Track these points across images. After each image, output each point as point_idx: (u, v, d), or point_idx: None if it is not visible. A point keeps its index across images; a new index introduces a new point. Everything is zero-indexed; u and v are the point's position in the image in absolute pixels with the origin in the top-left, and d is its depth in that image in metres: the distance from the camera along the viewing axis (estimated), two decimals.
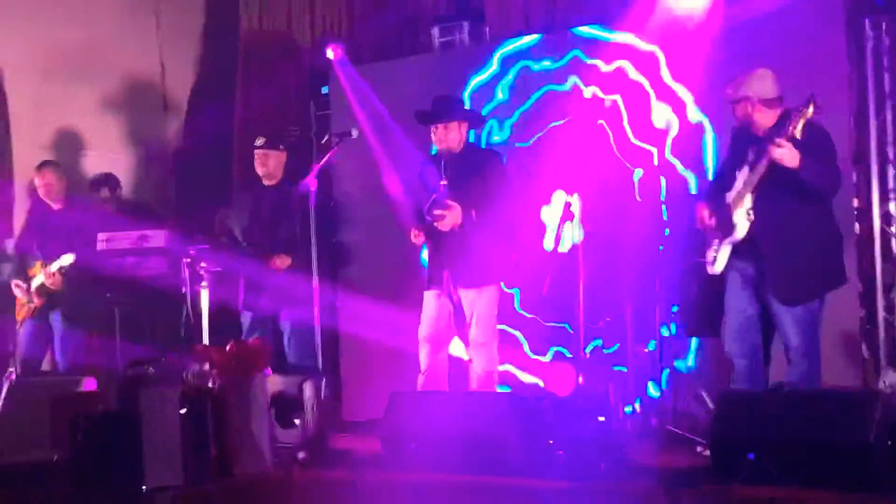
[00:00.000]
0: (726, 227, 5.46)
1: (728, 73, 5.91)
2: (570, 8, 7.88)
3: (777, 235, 5.39)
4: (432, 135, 6.37)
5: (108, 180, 8.15)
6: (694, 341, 6.79)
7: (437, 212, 6.15)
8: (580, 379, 5.92)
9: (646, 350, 6.70)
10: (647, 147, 7.05)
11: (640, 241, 6.66)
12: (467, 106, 7.26)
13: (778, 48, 6.50)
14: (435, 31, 8.08)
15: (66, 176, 7.91)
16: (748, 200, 5.38)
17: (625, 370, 6.54)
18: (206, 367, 5.17)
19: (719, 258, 5.54)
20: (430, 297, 6.38)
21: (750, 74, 5.56)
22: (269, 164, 7.19)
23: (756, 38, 6.57)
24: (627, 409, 6.34)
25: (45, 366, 7.73)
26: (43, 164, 7.82)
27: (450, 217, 6.15)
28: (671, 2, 6.72)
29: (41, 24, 8.41)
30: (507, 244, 6.44)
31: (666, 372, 6.50)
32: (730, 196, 5.51)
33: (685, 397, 6.70)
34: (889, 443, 4.59)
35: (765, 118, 5.48)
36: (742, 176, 5.46)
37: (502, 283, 6.53)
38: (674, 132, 6.98)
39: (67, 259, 7.31)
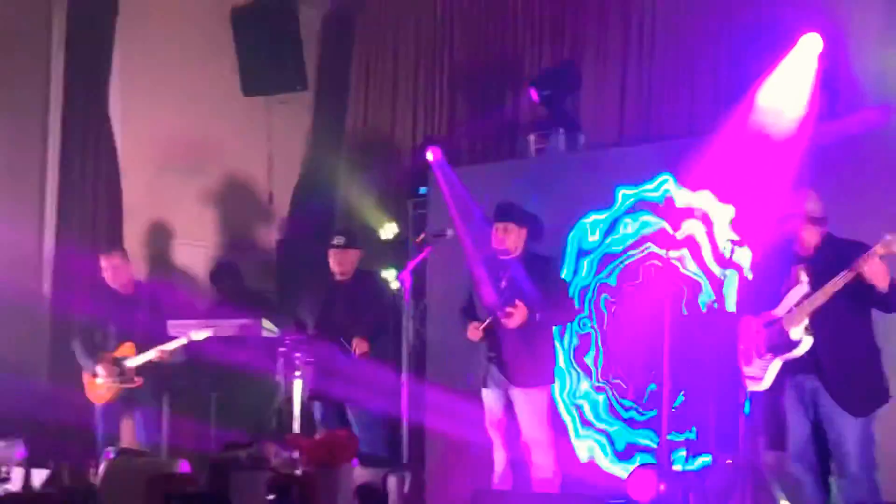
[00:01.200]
0: (782, 342, 5.50)
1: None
2: (662, 120, 8.06)
3: (835, 350, 5.43)
4: (493, 237, 6.57)
5: (230, 269, 8.44)
6: None
7: (508, 309, 6.31)
8: (662, 487, 5.94)
9: (728, 461, 6.71)
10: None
11: (724, 351, 6.70)
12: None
13: (858, 172, 6.55)
14: (531, 137, 8.30)
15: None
16: (806, 319, 5.42)
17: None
18: (296, 454, 5.33)
19: (768, 375, 5.58)
20: (489, 395, 6.55)
21: (798, 193, 5.68)
22: (345, 262, 7.39)
23: (844, 159, 6.63)
24: None
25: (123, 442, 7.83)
26: (111, 248, 7.88)
27: (517, 315, 6.32)
28: (765, 118, 6.84)
29: (163, 117, 8.87)
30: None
31: None
32: (779, 312, 5.55)
33: None
34: None
35: (811, 236, 5.57)
36: (796, 293, 5.49)
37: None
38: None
39: (198, 335, 7.29)
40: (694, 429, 6.88)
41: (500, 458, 6.60)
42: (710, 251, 7.22)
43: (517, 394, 6.47)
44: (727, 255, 7.08)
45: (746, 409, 6.40)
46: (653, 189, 7.45)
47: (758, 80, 6.97)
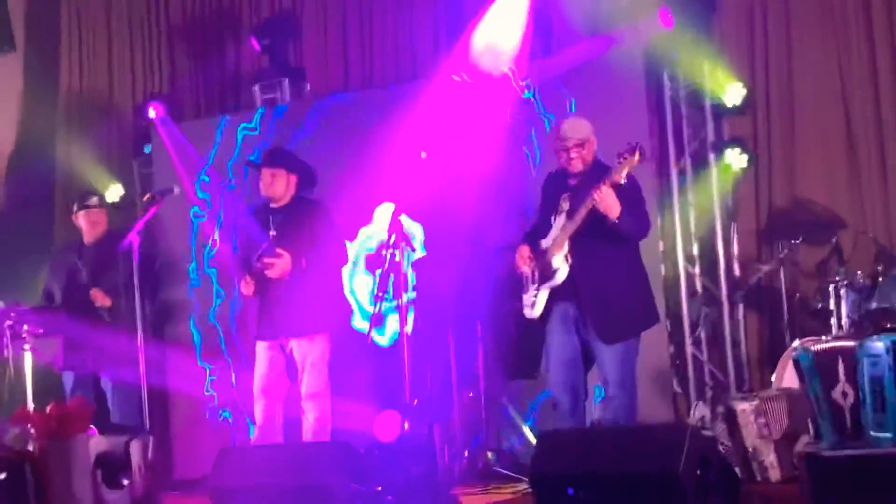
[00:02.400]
0: (546, 271, 5.66)
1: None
2: (386, 65, 8.11)
3: (594, 278, 5.60)
4: (261, 182, 6.46)
5: None
6: None
7: (267, 259, 6.21)
8: (406, 425, 6.02)
9: (470, 394, 6.89)
10: None
11: (462, 287, 6.86)
12: None
13: (581, 102, 6.82)
14: (256, 88, 8.19)
15: None
16: (566, 246, 5.59)
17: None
18: (26, 430, 5.10)
19: (538, 302, 5.72)
20: (261, 350, 6.41)
21: (566, 120, 5.85)
22: (99, 223, 7.21)
23: (562, 92, 6.89)
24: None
25: None
26: None
27: (279, 264, 6.21)
28: (480, 59, 7.00)
29: None
30: (336, 292, 6.52)
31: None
32: (546, 242, 5.71)
33: (510, 437, 6.92)
34: (697, 472, 4.83)
35: (573, 162, 5.69)
36: (559, 222, 5.66)
37: None
38: None
39: None
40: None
41: (261, 411, 6.43)
42: None
43: (295, 344, 6.35)
44: None
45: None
46: None
47: (473, 21, 7.12)
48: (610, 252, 5.61)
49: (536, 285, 5.72)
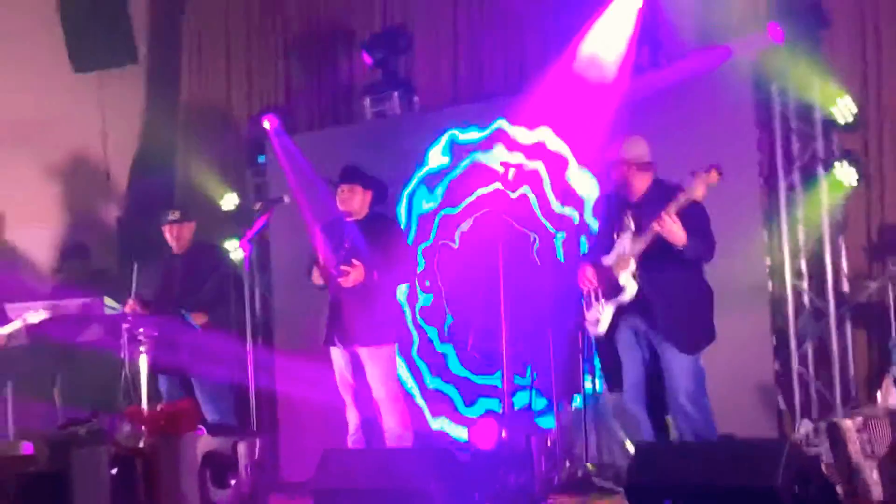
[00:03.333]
0: (612, 288, 5.68)
1: None
2: (496, 77, 8.21)
3: (663, 295, 5.62)
4: (337, 197, 6.61)
5: (77, 249, 8.28)
6: None
7: (343, 267, 6.37)
8: (503, 433, 6.09)
9: (571, 406, 6.93)
10: (569, 211, 7.33)
11: (563, 298, 6.90)
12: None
13: (689, 116, 6.81)
14: (367, 101, 8.36)
15: None
16: (633, 264, 5.61)
17: (551, 425, 6.77)
18: (138, 427, 5.30)
19: (603, 319, 5.76)
20: (336, 355, 6.60)
21: (626, 140, 5.84)
22: (181, 236, 7.39)
23: (670, 106, 6.89)
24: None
25: None
26: None
27: (354, 274, 6.36)
28: (585, 70, 7.05)
29: None
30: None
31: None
32: (610, 259, 5.73)
33: (611, 449, 6.92)
34: (795, 487, 4.81)
35: (638, 182, 5.73)
36: (624, 241, 5.68)
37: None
38: (593, 196, 7.27)
39: (34, 317, 7.16)
40: (535, 374, 7.05)
41: (352, 418, 6.64)
42: (539, 209, 7.47)
43: (363, 353, 6.52)
44: (557, 211, 7.28)
45: (587, 354, 6.63)
46: (486, 134, 7.65)
47: (581, 32, 7.17)
48: (677, 270, 5.62)
49: (602, 301, 5.74)
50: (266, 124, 8.45)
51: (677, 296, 5.65)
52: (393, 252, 6.54)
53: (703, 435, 5.61)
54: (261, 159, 8.71)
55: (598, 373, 6.70)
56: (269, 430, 8.14)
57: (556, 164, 7.43)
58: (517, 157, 7.32)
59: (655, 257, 5.56)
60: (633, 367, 5.77)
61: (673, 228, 5.43)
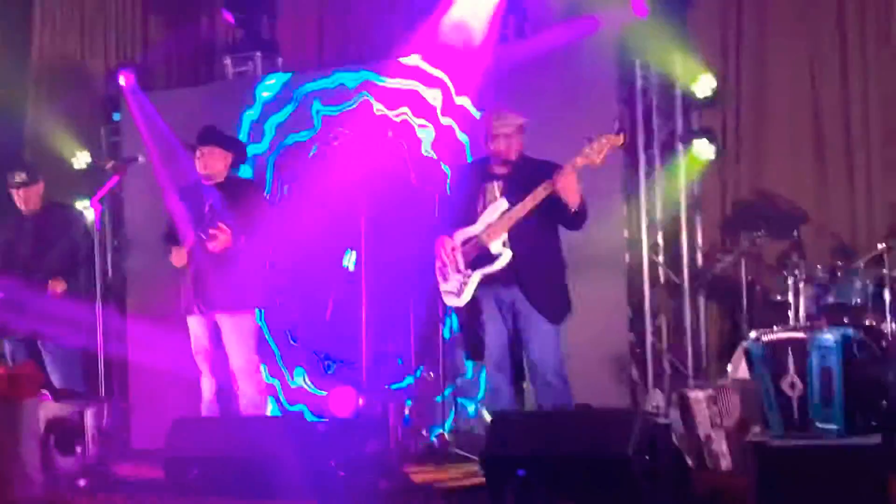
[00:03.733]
0: (482, 258, 5.62)
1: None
2: (362, 39, 8.10)
3: (535, 264, 5.61)
4: (196, 161, 6.44)
5: None
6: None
7: (212, 231, 6.20)
8: (360, 401, 6.04)
9: (430, 374, 6.92)
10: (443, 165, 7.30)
11: (424, 263, 6.87)
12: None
13: (551, 88, 6.83)
14: (228, 60, 8.17)
15: None
16: (504, 233, 5.56)
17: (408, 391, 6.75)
18: None
19: (467, 289, 5.69)
20: (193, 323, 6.44)
21: (507, 109, 5.76)
22: (29, 198, 7.11)
23: (534, 78, 6.89)
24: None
25: None
26: None
27: (222, 238, 6.22)
28: (450, 36, 7.01)
29: None
30: (265, 271, 6.59)
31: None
32: (476, 228, 5.64)
33: (467, 418, 6.94)
34: (647, 457, 4.87)
35: (509, 150, 5.65)
36: (494, 209, 5.61)
37: None
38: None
39: None
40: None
41: (207, 386, 6.49)
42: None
43: (223, 319, 6.38)
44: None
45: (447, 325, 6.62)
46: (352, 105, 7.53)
47: (444, 5, 7.13)
48: (547, 240, 5.65)
49: (466, 271, 5.67)
50: (122, 80, 8.19)
51: (547, 266, 5.65)
52: (256, 215, 6.38)
53: (561, 405, 5.64)
54: (116, 117, 8.44)
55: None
56: (119, 397, 7.95)
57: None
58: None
59: (526, 227, 5.53)
60: (498, 337, 5.72)
61: (573, 185, 5.39)
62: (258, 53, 8.09)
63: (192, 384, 6.81)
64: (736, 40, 7.32)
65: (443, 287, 5.79)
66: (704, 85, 7.11)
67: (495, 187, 5.66)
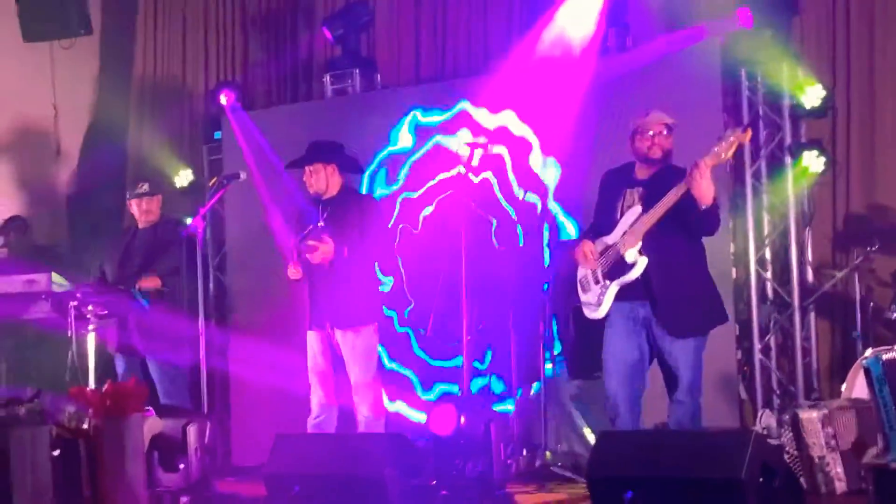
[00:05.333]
0: (617, 266, 5.47)
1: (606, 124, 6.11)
2: (458, 56, 8.06)
3: (669, 273, 5.45)
4: (305, 181, 6.43)
5: (15, 223, 8.07)
6: None
7: (310, 242, 6.17)
8: (462, 419, 5.96)
9: (532, 392, 6.82)
10: (532, 195, 7.21)
11: (524, 284, 6.78)
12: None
13: (655, 100, 6.68)
14: (327, 78, 8.19)
15: None
16: (639, 241, 5.42)
17: (510, 411, 6.65)
18: (82, 408, 5.11)
19: (606, 300, 5.53)
20: (312, 339, 6.39)
21: (653, 110, 5.67)
22: (150, 210, 7.25)
23: (637, 89, 6.77)
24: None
25: None
26: None
27: (322, 250, 6.16)
28: (550, 50, 6.94)
29: None
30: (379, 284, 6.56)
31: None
32: (613, 237, 5.52)
33: (570, 437, 6.82)
34: (760, 479, 4.72)
35: (664, 146, 5.55)
36: (630, 216, 5.48)
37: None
38: (555, 181, 7.15)
39: None
40: (489, 357, 6.96)
41: (317, 402, 6.42)
42: (501, 194, 7.33)
43: (341, 336, 6.31)
44: (520, 197, 7.15)
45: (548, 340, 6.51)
46: (449, 116, 7.50)
47: (547, 13, 7.04)
48: (683, 248, 5.48)
49: (604, 282, 5.54)
50: (223, 99, 8.28)
51: (683, 276, 5.47)
52: (367, 227, 6.32)
53: (682, 424, 5.47)
54: (217, 136, 8.48)
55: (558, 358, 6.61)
56: (221, 413, 7.98)
57: (520, 149, 7.28)
58: (481, 141, 7.15)
59: (662, 234, 5.37)
60: (627, 353, 5.52)
61: (705, 181, 5.24)
62: (356, 70, 8.07)
63: (295, 400, 6.82)
64: (845, 49, 7.10)
65: (583, 298, 5.64)
66: (813, 95, 6.92)
67: (635, 193, 5.53)
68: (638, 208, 5.48)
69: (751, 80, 7.07)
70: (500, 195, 7.34)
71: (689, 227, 5.43)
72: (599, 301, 5.57)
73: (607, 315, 5.58)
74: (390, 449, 5.39)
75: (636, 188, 5.55)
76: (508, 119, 7.31)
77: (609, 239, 5.55)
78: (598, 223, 5.71)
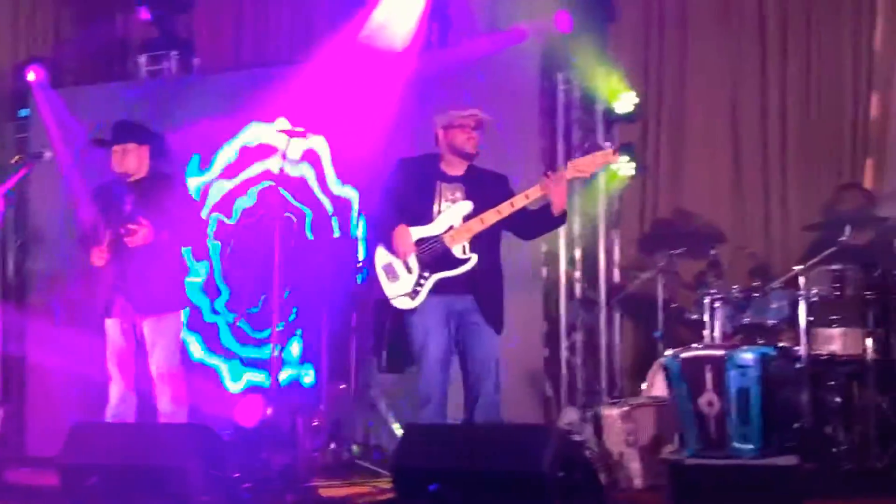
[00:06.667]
0: (443, 260, 5.38)
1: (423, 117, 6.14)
2: (280, 43, 7.97)
3: (488, 271, 5.43)
4: (112, 160, 6.17)
5: None
6: None
7: (130, 226, 5.92)
8: (268, 411, 5.86)
9: (341, 385, 6.78)
10: (348, 190, 7.17)
11: (337, 276, 6.74)
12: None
13: (474, 97, 6.74)
14: (142, 59, 7.97)
15: None
16: (468, 237, 5.35)
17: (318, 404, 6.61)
18: None
19: (422, 292, 5.43)
20: (112, 326, 6.15)
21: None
22: None
23: (456, 87, 6.81)
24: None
25: None
26: None
27: (142, 233, 5.94)
28: (373, 39, 6.92)
29: None
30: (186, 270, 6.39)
31: None
32: (435, 230, 5.39)
33: (379, 432, 6.81)
34: (560, 474, 4.79)
35: (477, 141, 5.49)
36: (457, 211, 5.41)
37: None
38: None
39: None
40: (301, 349, 6.89)
41: (116, 391, 6.18)
42: (318, 186, 7.27)
43: (146, 323, 6.10)
44: (335, 190, 7.10)
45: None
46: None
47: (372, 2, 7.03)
48: (497, 248, 5.49)
49: (422, 272, 5.44)
50: (31, 76, 7.96)
51: (496, 274, 5.46)
52: (179, 211, 6.08)
53: (492, 420, 5.48)
54: (23, 113, 8.18)
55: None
56: (15, 400, 7.66)
57: (340, 140, 7.22)
58: (298, 130, 7.06)
59: (488, 232, 5.36)
60: (438, 348, 5.43)
61: (564, 191, 5.27)
62: (174, 53, 7.88)
63: (95, 388, 6.58)
64: (657, 58, 7.35)
65: (390, 288, 5.46)
66: (626, 101, 7.12)
67: (456, 189, 5.45)
68: (467, 205, 5.44)
69: (567, 83, 7.20)
70: (316, 187, 7.27)
71: (529, 229, 5.48)
72: (416, 292, 5.44)
73: (420, 306, 5.51)
74: (193, 439, 5.25)
75: (454, 183, 5.51)
76: (329, 107, 7.23)
77: (428, 230, 5.44)
78: (407, 211, 5.51)
